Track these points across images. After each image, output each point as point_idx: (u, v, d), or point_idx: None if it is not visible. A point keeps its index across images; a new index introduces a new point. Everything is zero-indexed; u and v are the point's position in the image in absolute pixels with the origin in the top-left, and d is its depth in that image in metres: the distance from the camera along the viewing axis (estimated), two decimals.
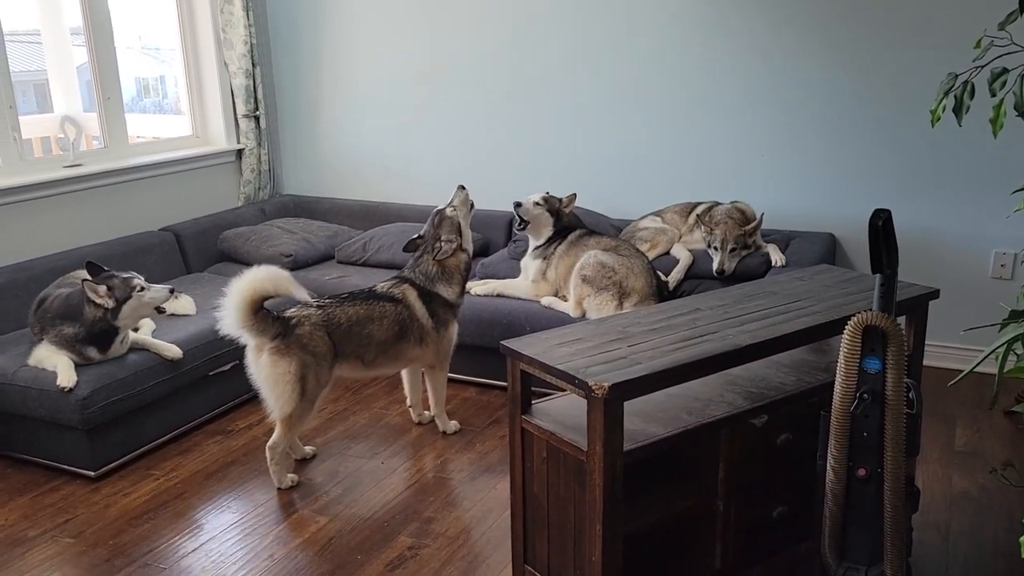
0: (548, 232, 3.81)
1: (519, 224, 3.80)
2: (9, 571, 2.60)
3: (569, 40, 4.33)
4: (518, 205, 3.76)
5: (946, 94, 1.55)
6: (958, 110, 1.56)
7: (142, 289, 3.16)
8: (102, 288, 3.10)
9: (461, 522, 2.83)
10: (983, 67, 1.55)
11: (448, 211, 3.31)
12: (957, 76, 1.59)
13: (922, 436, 3.24)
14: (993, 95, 1.52)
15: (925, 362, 3.68)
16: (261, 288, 2.82)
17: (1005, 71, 1.54)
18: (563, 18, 4.31)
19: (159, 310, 3.43)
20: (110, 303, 3.10)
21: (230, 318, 2.84)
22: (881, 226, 1.78)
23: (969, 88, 1.55)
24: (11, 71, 3.84)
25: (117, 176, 4.29)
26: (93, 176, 4.16)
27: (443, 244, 3.26)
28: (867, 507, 1.91)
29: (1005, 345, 1.32)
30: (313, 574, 2.56)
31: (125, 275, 3.18)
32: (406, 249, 3.40)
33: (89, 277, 3.15)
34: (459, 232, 3.29)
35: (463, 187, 3.38)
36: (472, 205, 3.40)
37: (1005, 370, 1.89)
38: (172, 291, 3.26)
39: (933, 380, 3.49)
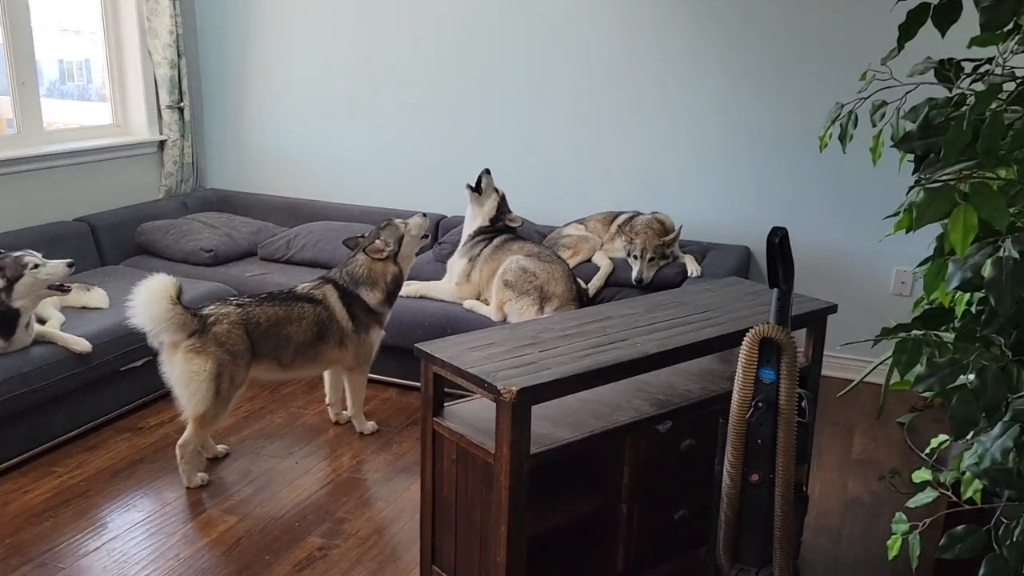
0: (483, 221, 3.89)
1: (474, 187, 3.89)
2: None
3: (500, 45, 4.38)
4: (488, 172, 3.90)
5: (833, 122, 1.65)
6: (843, 138, 1.66)
7: (36, 266, 3.05)
8: None
9: (373, 523, 2.83)
10: (866, 99, 1.65)
11: (398, 222, 3.35)
12: (843, 106, 1.69)
13: (822, 444, 3.41)
14: (873, 125, 1.62)
15: (832, 374, 3.88)
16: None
17: (884, 103, 1.64)
18: (497, 21, 4.36)
19: (61, 288, 3.17)
20: (0, 283, 3.01)
21: (150, 309, 2.80)
22: (778, 243, 1.87)
23: (853, 118, 1.65)
24: None
25: (30, 163, 4.15)
26: (5, 162, 4.01)
27: (379, 243, 3.27)
28: (759, 511, 2.00)
29: (892, 359, 1.41)
30: (219, 574, 2.54)
31: (16, 253, 3.08)
32: (346, 243, 3.41)
33: None
34: (399, 243, 3.31)
35: (425, 215, 3.47)
36: (426, 236, 3.47)
37: (891, 383, 1.99)
38: (71, 264, 3.12)
39: (839, 391, 3.65)
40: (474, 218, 3.93)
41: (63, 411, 3.25)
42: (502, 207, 3.93)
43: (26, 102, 4.21)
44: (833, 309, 2.59)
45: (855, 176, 3.88)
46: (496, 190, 3.93)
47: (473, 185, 3.90)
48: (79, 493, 2.96)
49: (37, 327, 3.22)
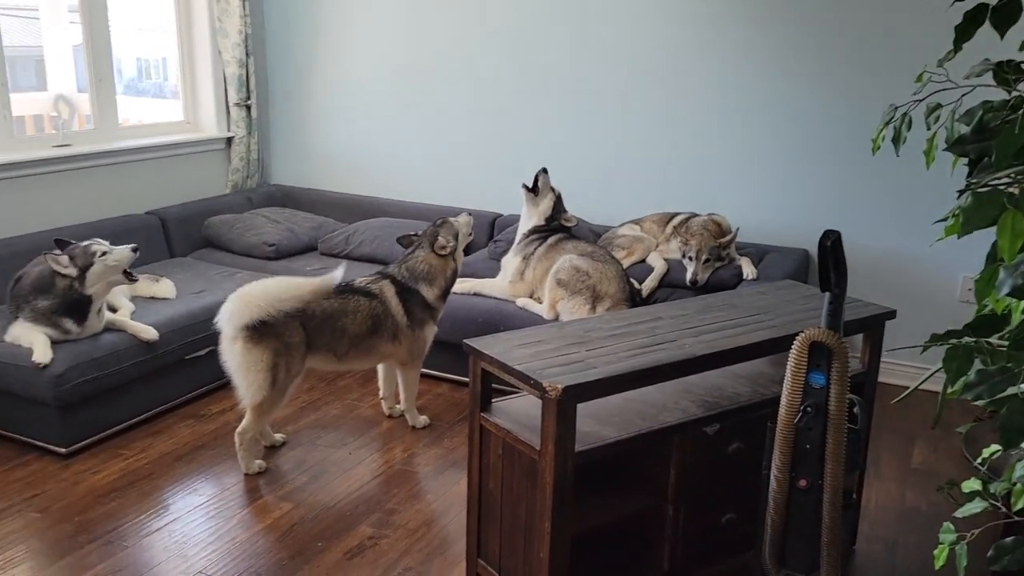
0: (538, 220, 3.91)
1: (530, 187, 3.92)
2: None
3: (559, 44, 4.39)
4: (544, 171, 3.92)
5: (886, 124, 1.62)
6: (896, 140, 1.63)
7: (104, 253, 3.18)
8: (63, 258, 3.15)
9: (422, 515, 2.88)
10: (921, 101, 1.62)
11: (452, 220, 3.41)
12: (897, 108, 1.66)
13: (880, 452, 3.33)
14: (928, 128, 1.58)
15: (893, 381, 3.79)
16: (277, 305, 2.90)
17: (939, 106, 1.61)
18: (554, 22, 4.38)
19: (128, 276, 3.28)
20: (73, 271, 3.14)
21: (233, 319, 2.90)
22: (830, 247, 1.84)
23: (907, 120, 1.62)
24: (9, 46, 3.86)
25: (105, 158, 4.33)
26: (81, 157, 4.20)
27: (442, 240, 3.34)
28: (807, 517, 1.98)
29: (943, 366, 1.39)
30: (273, 559, 2.62)
31: (85, 243, 3.22)
32: (400, 241, 3.46)
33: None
34: (457, 240, 3.37)
35: (469, 214, 3.54)
36: (471, 235, 3.53)
37: (948, 391, 1.95)
38: (135, 250, 3.24)
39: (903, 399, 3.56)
40: (529, 217, 3.95)
41: (130, 396, 3.39)
42: (558, 207, 3.94)
43: (103, 99, 4.39)
44: (891, 315, 2.53)
45: (912, 179, 3.79)
46: (552, 189, 3.94)
47: (529, 185, 3.92)
48: (144, 475, 3.08)
49: (108, 315, 3.36)
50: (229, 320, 2.91)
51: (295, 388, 3.13)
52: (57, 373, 3.07)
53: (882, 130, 1.66)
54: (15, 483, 3.00)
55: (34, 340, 3.13)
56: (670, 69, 4.19)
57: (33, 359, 3.07)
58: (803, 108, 3.98)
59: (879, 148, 1.73)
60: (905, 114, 1.65)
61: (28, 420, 3.19)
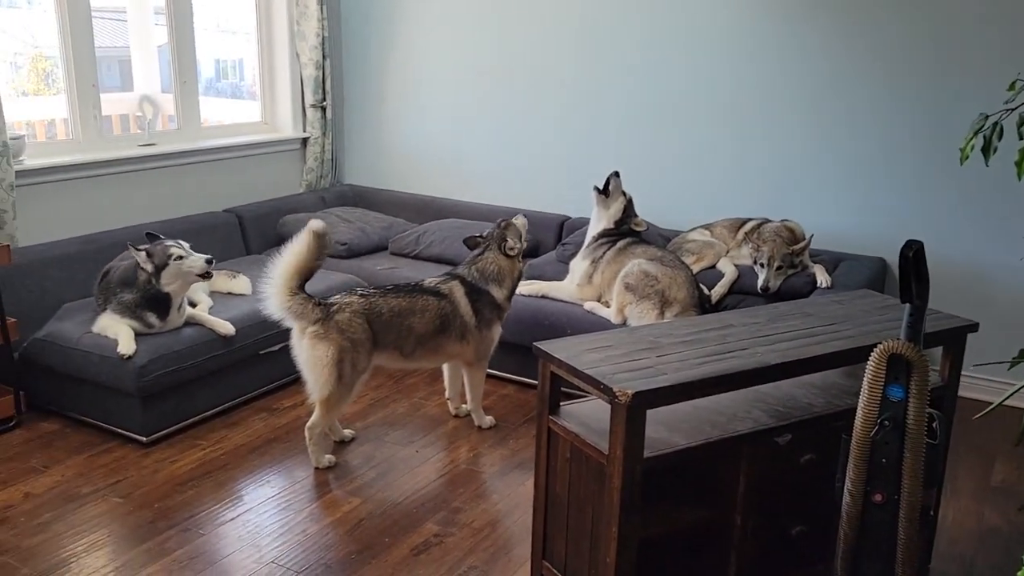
0: (608, 223, 3.90)
1: (601, 189, 3.90)
2: (62, 523, 2.78)
3: (637, 48, 4.37)
4: (616, 175, 3.90)
5: (976, 133, 1.57)
6: (986, 150, 1.57)
7: (180, 257, 3.30)
8: (142, 254, 3.28)
9: (488, 514, 2.91)
10: (1013, 110, 1.56)
11: (515, 220, 3.43)
12: (988, 117, 1.61)
13: (959, 469, 3.23)
14: (1021, 138, 1.53)
15: (974, 396, 3.66)
16: (298, 263, 2.96)
17: None
18: (627, 26, 4.36)
19: (204, 276, 3.38)
20: (149, 267, 3.27)
21: (273, 298, 3.00)
22: (912, 257, 1.80)
23: (998, 129, 1.57)
24: (99, 47, 4.04)
25: (187, 157, 4.48)
26: (165, 156, 4.36)
27: (511, 241, 3.38)
28: (882, 533, 1.93)
29: None
30: (342, 552, 2.67)
31: (168, 243, 3.34)
32: (466, 243, 3.51)
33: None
34: (521, 241, 3.40)
35: (525, 215, 3.57)
36: (528, 238, 3.60)
37: None
38: (210, 261, 3.33)
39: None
40: (599, 220, 3.94)
41: (208, 389, 3.50)
42: (628, 211, 3.92)
43: (186, 100, 4.55)
44: (974, 328, 2.46)
45: (999, 189, 3.65)
46: (624, 193, 3.93)
47: (600, 187, 3.91)
48: (219, 466, 3.18)
49: (188, 310, 3.48)
50: (272, 310, 3.02)
51: (362, 384, 3.19)
52: (140, 364, 3.19)
53: (971, 139, 1.61)
54: (100, 469, 3.13)
55: (119, 332, 3.27)
56: (747, 74, 4.13)
57: (118, 350, 3.20)
58: (883, 113, 3.87)
59: (967, 158, 1.68)
60: (996, 123, 1.60)
61: (113, 409, 3.33)
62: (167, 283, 3.30)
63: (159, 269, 3.28)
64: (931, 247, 2.14)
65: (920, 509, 1.90)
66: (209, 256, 3.36)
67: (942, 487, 2.74)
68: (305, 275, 3.01)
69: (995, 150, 1.59)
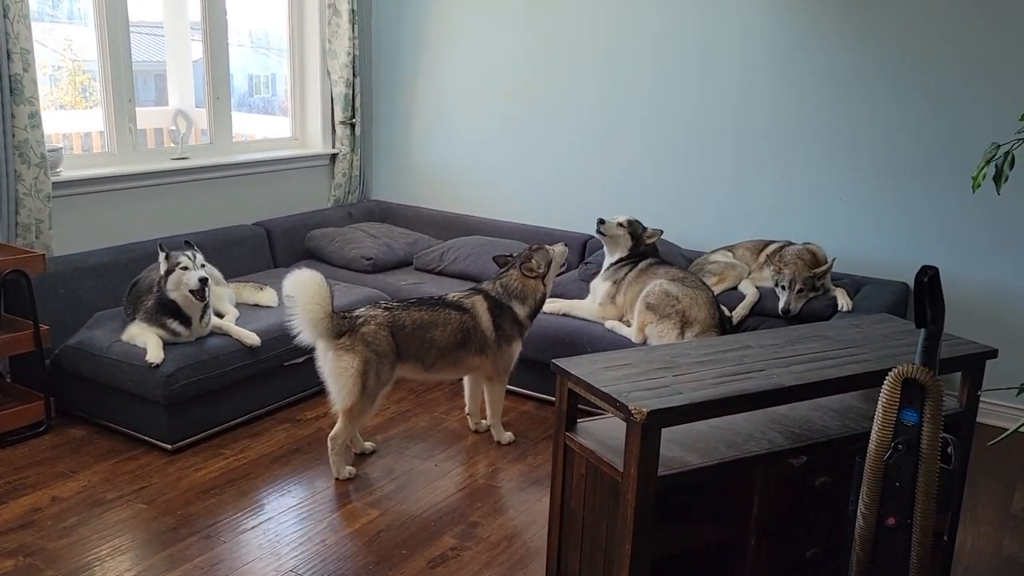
0: (622, 253, 3.92)
1: (598, 231, 3.94)
2: (87, 528, 2.84)
3: (658, 71, 4.41)
4: (602, 222, 3.91)
5: (988, 162, 1.59)
6: (997, 179, 1.59)
7: (185, 268, 3.37)
8: (163, 254, 3.38)
9: (504, 529, 2.93)
10: None
11: (548, 247, 3.51)
12: (999, 146, 1.63)
13: (978, 496, 3.21)
14: None
15: (994, 422, 3.64)
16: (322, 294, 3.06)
17: None
18: (654, 49, 4.40)
19: (195, 294, 3.37)
20: (162, 269, 3.37)
21: (308, 332, 3.08)
22: (927, 282, 1.82)
23: (1009, 159, 1.59)
24: (135, 60, 4.15)
25: (219, 171, 4.58)
26: (197, 169, 4.46)
27: (532, 263, 3.43)
28: (894, 556, 1.94)
29: None
30: (360, 563, 2.71)
31: (185, 252, 3.41)
32: (495, 260, 3.58)
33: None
34: (548, 266, 3.45)
35: (565, 244, 3.61)
36: (564, 266, 3.62)
37: None
38: (203, 280, 3.35)
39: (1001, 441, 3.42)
40: (611, 253, 3.96)
41: (232, 399, 3.56)
42: (635, 236, 3.92)
43: (219, 115, 4.65)
44: (993, 354, 2.45)
45: (1016, 215, 3.65)
46: (621, 224, 3.91)
47: (597, 231, 3.94)
48: (242, 475, 3.23)
49: (215, 320, 3.55)
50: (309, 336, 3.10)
51: (384, 396, 3.24)
52: (167, 373, 3.26)
53: (983, 168, 1.63)
54: (125, 475, 3.19)
55: (148, 340, 3.34)
56: (770, 96, 4.16)
57: (146, 359, 3.27)
58: (905, 139, 3.88)
59: (979, 186, 1.70)
60: (1008, 152, 1.62)
61: (139, 416, 3.40)
62: (171, 289, 3.38)
63: (167, 273, 3.37)
64: (951, 271, 2.16)
65: (933, 534, 1.90)
66: (204, 275, 3.38)
67: (959, 513, 2.73)
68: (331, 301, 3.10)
69: (1007, 179, 1.61)
